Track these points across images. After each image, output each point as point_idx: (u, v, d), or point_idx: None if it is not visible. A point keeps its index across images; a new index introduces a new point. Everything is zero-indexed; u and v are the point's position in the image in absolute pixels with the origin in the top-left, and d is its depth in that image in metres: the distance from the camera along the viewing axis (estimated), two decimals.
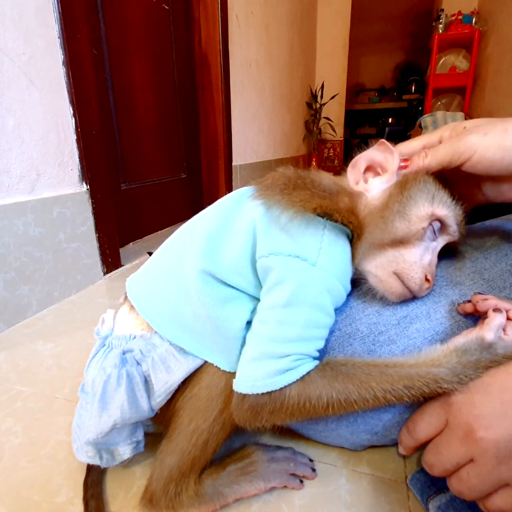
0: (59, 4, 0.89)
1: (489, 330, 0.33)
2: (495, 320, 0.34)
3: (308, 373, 0.35)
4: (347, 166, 0.42)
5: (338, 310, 0.41)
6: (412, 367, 0.34)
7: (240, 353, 0.38)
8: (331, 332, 0.41)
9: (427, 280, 0.38)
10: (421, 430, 0.35)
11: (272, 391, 0.34)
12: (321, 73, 3.60)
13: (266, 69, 2.35)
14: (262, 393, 0.35)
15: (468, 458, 0.31)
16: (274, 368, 0.34)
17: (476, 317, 0.38)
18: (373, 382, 0.34)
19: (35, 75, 0.86)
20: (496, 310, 0.34)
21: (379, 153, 0.40)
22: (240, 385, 0.36)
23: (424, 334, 0.39)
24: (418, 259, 0.38)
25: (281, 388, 0.34)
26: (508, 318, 0.35)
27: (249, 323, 0.39)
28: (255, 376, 0.35)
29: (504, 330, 0.34)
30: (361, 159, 0.41)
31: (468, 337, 0.34)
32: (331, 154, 3.84)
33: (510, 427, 0.29)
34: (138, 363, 0.40)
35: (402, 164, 0.40)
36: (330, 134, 3.62)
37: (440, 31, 3.07)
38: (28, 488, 0.45)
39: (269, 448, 0.46)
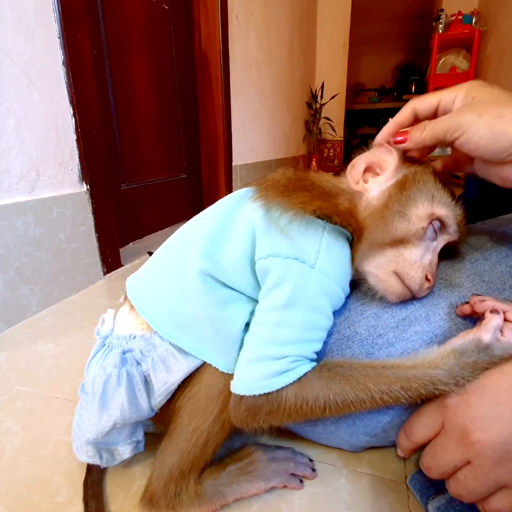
0: (59, 4, 0.89)
1: (486, 332, 0.33)
2: (492, 322, 0.34)
3: (305, 374, 0.35)
4: (346, 167, 0.42)
5: (336, 313, 0.41)
6: (409, 369, 0.34)
7: (238, 354, 0.38)
8: (330, 334, 0.41)
9: (427, 279, 0.38)
10: (418, 433, 0.35)
11: (269, 393, 0.35)
12: (321, 73, 3.60)
13: (266, 69, 2.35)
14: (259, 395, 0.35)
15: (465, 460, 0.30)
16: (271, 370, 0.35)
17: (475, 319, 0.38)
18: (370, 383, 0.34)
19: (35, 75, 0.86)
20: (494, 311, 0.34)
21: (378, 154, 0.41)
22: (238, 387, 0.36)
23: (422, 336, 0.39)
24: (418, 258, 0.38)
25: (278, 390, 0.35)
26: (505, 320, 0.35)
27: (248, 324, 0.39)
28: (252, 378, 0.35)
29: (501, 331, 0.34)
30: (361, 160, 0.41)
31: (465, 338, 0.34)
32: (331, 154, 3.83)
33: (506, 429, 0.29)
34: (138, 363, 0.40)
35: (399, 138, 0.40)
36: (330, 134, 3.62)
37: (440, 31, 3.07)
38: (28, 488, 0.45)
39: (269, 448, 0.46)
